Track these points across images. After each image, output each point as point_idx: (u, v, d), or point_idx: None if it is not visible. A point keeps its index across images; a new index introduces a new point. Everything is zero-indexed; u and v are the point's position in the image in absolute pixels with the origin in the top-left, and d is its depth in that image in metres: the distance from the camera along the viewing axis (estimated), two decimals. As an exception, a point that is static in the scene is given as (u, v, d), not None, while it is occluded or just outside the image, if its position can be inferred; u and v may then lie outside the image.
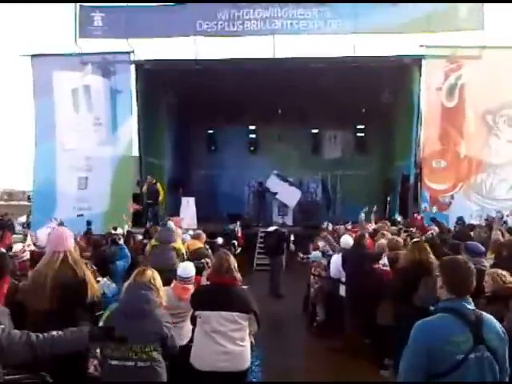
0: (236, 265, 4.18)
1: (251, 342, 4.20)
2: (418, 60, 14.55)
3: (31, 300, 3.56)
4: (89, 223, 11.63)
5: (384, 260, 6.19)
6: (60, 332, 2.56)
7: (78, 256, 3.94)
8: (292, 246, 11.10)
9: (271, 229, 11.85)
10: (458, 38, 14.72)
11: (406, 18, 14.47)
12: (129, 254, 6.03)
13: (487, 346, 2.49)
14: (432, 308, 2.74)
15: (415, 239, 6.19)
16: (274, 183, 18.17)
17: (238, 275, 4.15)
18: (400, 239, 6.61)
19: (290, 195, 18.08)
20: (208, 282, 4.49)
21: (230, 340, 3.93)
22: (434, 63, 14.56)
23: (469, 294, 2.64)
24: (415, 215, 12.83)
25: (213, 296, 4.04)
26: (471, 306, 2.60)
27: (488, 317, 2.62)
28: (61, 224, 12.26)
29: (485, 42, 14.41)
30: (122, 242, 6.44)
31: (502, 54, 14.39)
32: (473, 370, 2.44)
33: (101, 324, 3.57)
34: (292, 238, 11.26)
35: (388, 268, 6.04)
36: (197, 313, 4.05)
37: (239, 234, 11.74)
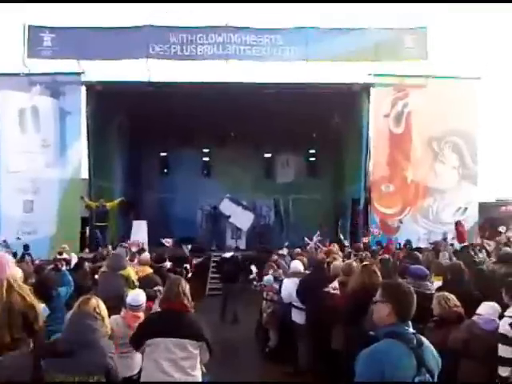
0: (188, 290, 4.05)
1: (202, 371, 4.05)
2: (366, 87, 15.03)
3: None
4: (26, 248, 11.21)
5: (334, 283, 6.20)
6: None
7: (21, 282, 3.77)
8: (254, 272, 10.86)
9: (228, 255, 11.50)
10: (405, 67, 15.36)
11: (355, 46, 14.97)
12: (71, 280, 5.81)
13: (427, 369, 2.52)
14: (372, 333, 2.74)
15: (365, 263, 6.25)
16: (227, 206, 18.16)
17: (190, 301, 4.01)
18: (354, 263, 6.63)
19: (243, 218, 18.11)
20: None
21: (179, 369, 3.78)
22: (381, 91, 15.07)
23: (410, 318, 2.66)
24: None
25: (163, 323, 3.90)
26: (411, 330, 2.63)
27: (425, 340, 2.66)
28: (5, 244, 11.87)
29: (429, 71, 15.08)
30: (64, 268, 6.23)
31: (445, 84, 15.09)
32: None
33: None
34: (254, 268, 10.95)
35: (338, 292, 6.05)
36: (147, 342, 3.84)
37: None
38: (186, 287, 4.04)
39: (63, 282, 5.56)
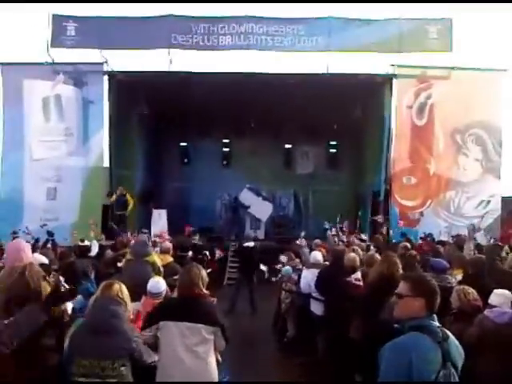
0: (206, 277, 4.05)
1: (217, 360, 4.01)
2: (389, 79, 14.86)
3: None
4: (51, 234, 11.36)
5: (357, 274, 6.18)
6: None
7: (36, 268, 3.79)
8: (265, 272, 10.88)
9: (250, 244, 11.26)
10: (428, 59, 15.14)
11: (378, 37, 14.80)
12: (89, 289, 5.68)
13: (452, 363, 2.52)
14: (397, 326, 2.73)
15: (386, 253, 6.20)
16: (246, 197, 18.21)
17: (203, 289, 3.98)
18: (377, 255, 6.58)
19: (262, 209, 18.16)
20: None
21: (193, 355, 3.77)
22: (404, 82, 14.89)
23: (435, 312, 2.66)
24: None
25: (177, 307, 3.90)
26: (437, 324, 2.62)
27: (450, 334, 2.66)
28: (28, 231, 12.07)
29: (453, 63, 14.84)
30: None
31: (469, 75, 14.83)
32: None
33: (66, 341, 3.45)
34: (264, 268, 10.88)
35: (361, 283, 6.04)
36: (160, 324, 3.80)
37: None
38: (202, 274, 4.02)
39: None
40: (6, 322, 2.51)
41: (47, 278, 3.92)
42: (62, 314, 3.62)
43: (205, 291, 3.99)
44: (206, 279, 4.07)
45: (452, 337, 2.65)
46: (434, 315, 2.65)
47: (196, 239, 12.17)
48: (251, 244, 11.18)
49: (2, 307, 3.31)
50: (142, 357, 3.54)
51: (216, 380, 3.92)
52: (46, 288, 3.52)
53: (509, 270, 5.97)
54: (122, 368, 3.34)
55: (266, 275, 10.49)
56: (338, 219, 13.71)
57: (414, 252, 6.60)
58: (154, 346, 3.92)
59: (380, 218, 14.37)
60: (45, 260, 5.59)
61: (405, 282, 2.78)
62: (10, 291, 3.36)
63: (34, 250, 6.12)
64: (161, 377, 3.80)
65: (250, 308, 10.47)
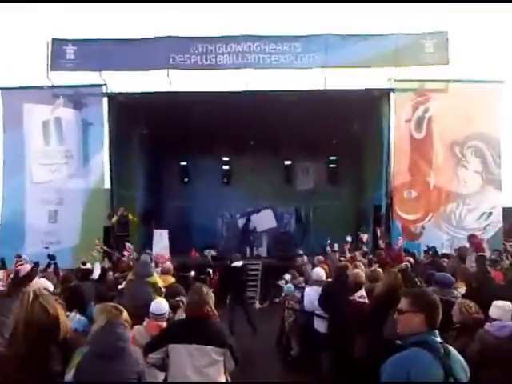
0: (212, 297, 4.06)
1: (227, 381, 4.00)
2: (387, 93, 14.94)
3: (10, 348, 3.39)
4: (52, 258, 11.33)
5: (361, 292, 6.14)
6: None
7: (46, 292, 3.80)
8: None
9: (239, 264, 10.86)
10: (426, 72, 15.23)
11: (375, 52, 14.91)
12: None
13: (455, 379, 2.50)
14: (398, 342, 2.72)
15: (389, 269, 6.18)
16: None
17: (212, 309, 4.01)
18: (380, 270, 6.55)
19: (262, 220, 18.21)
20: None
21: (203, 377, 3.76)
22: (402, 96, 14.95)
23: (437, 327, 2.65)
24: (393, 247, 12.81)
25: (185, 328, 3.90)
26: (439, 339, 2.61)
27: (452, 349, 2.65)
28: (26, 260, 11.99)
29: (451, 75, 14.93)
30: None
31: (466, 88, 14.90)
32: None
33: (71, 372, 3.29)
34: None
35: (365, 300, 6.00)
36: (169, 346, 3.81)
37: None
38: (209, 294, 4.03)
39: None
40: None
41: (58, 300, 3.93)
42: (72, 335, 3.61)
43: (211, 311, 3.98)
44: (213, 298, 4.09)
45: (455, 352, 2.64)
46: (436, 331, 2.64)
47: (210, 255, 12.04)
48: (239, 264, 11.02)
49: (20, 340, 3.28)
50: (145, 379, 3.51)
51: None
52: (61, 312, 3.53)
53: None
54: None
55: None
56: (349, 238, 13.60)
57: (404, 265, 6.55)
58: (161, 368, 3.94)
59: (365, 238, 14.29)
60: (49, 285, 5.57)
61: (405, 298, 2.79)
62: (29, 318, 3.34)
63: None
64: None
65: (250, 328, 10.14)
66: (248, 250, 17.96)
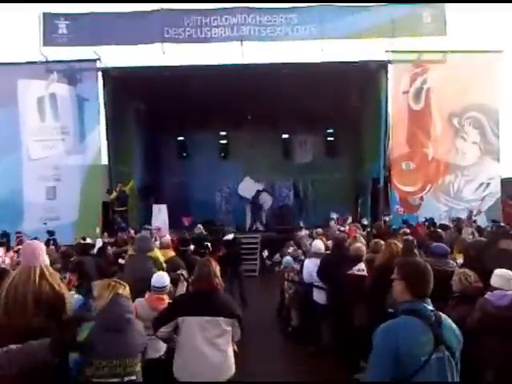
0: (218, 270, 4.12)
1: (234, 350, 4.11)
2: (384, 65, 14.80)
3: (9, 318, 3.41)
4: (51, 233, 11.36)
5: (360, 265, 6.17)
6: (19, 345, 2.47)
7: (52, 270, 3.81)
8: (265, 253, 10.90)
9: (230, 237, 11.02)
10: (423, 43, 15.06)
11: (371, 23, 14.75)
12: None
13: (446, 346, 2.54)
14: (391, 310, 2.77)
15: (388, 241, 6.20)
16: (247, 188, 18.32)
17: (220, 281, 4.08)
18: (382, 241, 6.58)
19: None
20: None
21: (214, 347, 3.86)
22: (400, 68, 14.84)
23: (428, 295, 2.68)
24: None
25: (196, 301, 3.96)
26: (430, 307, 2.65)
27: (445, 317, 2.68)
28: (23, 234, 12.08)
29: (448, 46, 14.77)
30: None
31: (465, 59, 14.78)
32: (434, 370, 2.49)
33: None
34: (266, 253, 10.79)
35: (364, 273, 6.05)
36: (179, 319, 3.87)
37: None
38: (217, 268, 4.11)
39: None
40: (5, 349, 2.51)
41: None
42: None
43: (219, 283, 4.06)
44: (218, 272, 4.14)
45: (447, 320, 2.67)
46: (427, 299, 2.67)
47: (200, 229, 12.06)
48: (231, 237, 11.07)
49: (29, 313, 3.29)
50: (147, 352, 3.56)
51: (233, 370, 4.00)
52: (66, 290, 3.53)
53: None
54: (138, 365, 3.35)
55: (269, 262, 10.47)
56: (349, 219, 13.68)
57: (410, 237, 6.59)
58: (168, 340, 4.04)
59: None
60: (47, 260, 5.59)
61: (395, 266, 2.88)
62: (37, 294, 3.34)
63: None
64: (182, 370, 3.89)
65: (241, 301, 9.93)
66: (249, 223, 18.01)
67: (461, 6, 15.64)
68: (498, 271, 4.13)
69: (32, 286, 3.37)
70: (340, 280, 6.20)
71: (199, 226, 12.36)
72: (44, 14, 15.01)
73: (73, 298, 4.59)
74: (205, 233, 11.89)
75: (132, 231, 11.95)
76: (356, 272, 6.11)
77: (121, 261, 7.05)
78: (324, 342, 6.99)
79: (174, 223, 15.35)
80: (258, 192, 18.85)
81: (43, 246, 3.98)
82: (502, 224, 10.53)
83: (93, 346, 3.19)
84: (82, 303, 4.50)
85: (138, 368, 3.35)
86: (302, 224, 13.07)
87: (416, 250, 5.97)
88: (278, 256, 10.28)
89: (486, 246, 5.75)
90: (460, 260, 5.82)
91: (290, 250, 9.42)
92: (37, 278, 3.38)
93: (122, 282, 3.64)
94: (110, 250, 8.58)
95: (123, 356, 3.22)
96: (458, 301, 4.25)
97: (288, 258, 8.72)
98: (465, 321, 3.76)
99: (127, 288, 3.62)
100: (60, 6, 15.50)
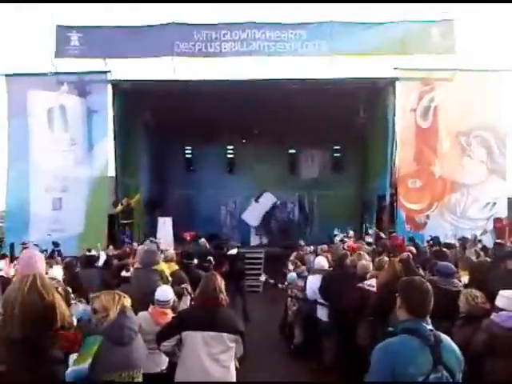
0: (223, 286, 4.13)
1: (236, 367, 4.10)
2: (392, 82, 14.83)
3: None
4: (56, 244, 11.38)
5: (371, 280, 6.13)
6: None
7: (47, 279, 3.80)
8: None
9: (234, 251, 10.99)
10: (431, 61, 15.10)
11: (381, 40, 14.78)
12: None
13: (445, 367, 2.52)
14: (390, 329, 2.76)
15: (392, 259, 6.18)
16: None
17: (225, 297, 4.09)
18: (386, 258, 6.56)
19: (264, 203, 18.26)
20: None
21: (217, 363, 3.85)
22: (408, 85, 14.84)
23: (427, 314, 2.67)
24: (396, 235, 12.84)
25: (201, 316, 3.94)
26: (430, 327, 2.63)
27: (445, 337, 2.67)
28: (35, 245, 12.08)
29: (457, 65, 14.80)
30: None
31: (473, 77, 14.75)
32: None
33: (88, 360, 3.29)
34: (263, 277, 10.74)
35: (374, 288, 6.01)
36: (183, 333, 3.88)
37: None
38: (222, 283, 4.12)
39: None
40: None
41: (58, 289, 3.94)
42: (71, 325, 3.61)
43: (224, 299, 4.07)
44: (223, 287, 4.16)
45: (448, 341, 2.66)
46: (427, 318, 2.66)
47: (204, 243, 12.04)
48: (234, 251, 11.03)
49: (16, 323, 3.29)
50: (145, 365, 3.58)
51: None
52: (60, 301, 3.53)
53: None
54: (140, 377, 3.37)
55: (272, 281, 10.39)
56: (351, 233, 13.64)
57: (405, 255, 6.59)
58: (171, 355, 4.04)
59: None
60: (59, 275, 5.65)
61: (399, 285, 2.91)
62: (24, 304, 3.34)
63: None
64: None
65: (243, 316, 9.86)
66: (259, 237, 18.01)
67: (471, 21, 15.69)
68: (503, 292, 4.10)
69: (20, 295, 3.37)
70: (341, 297, 6.17)
71: (203, 239, 12.36)
72: (57, 26, 15.20)
73: (79, 309, 4.61)
74: (208, 246, 11.87)
75: (136, 244, 11.92)
76: (366, 286, 6.07)
77: (124, 273, 7.04)
78: (327, 359, 6.93)
79: (179, 236, 15.35)
80: (274, 206, 18.78)
81: (40, 255, 3.99)
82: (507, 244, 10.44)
83: (103, 360, 3.21)
84: (88, 316, 4.50)
85: (140, 379, 3.38)
86: (302, 242, 12.95)
87: (420, 269, 5.94)
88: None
89: (490, 266, 5.71)
90: (465, 279, 5.78)
91: (290, 267, 9.38)
92: (26, 288, 3.38)
93: (124, 295, 3.64)
94: (117, 262, 8.59)
95: (130, 368, 3.26)
96: (465, 321, 4.23)
97: (292, 274, 8.69)
98: (470, 342, 3.73)
99: (129, 300, 3.62)
100: (72, 18, 15.72)
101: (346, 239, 12.26)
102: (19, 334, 3.26)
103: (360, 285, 6.09)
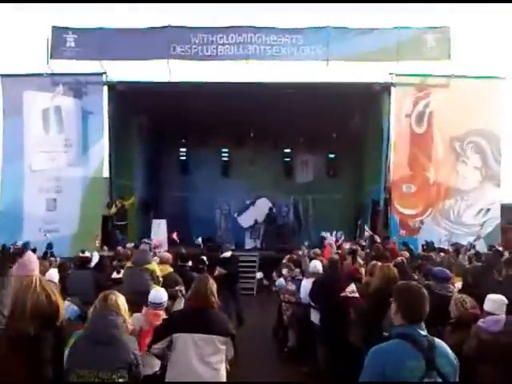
0: (215, 288, 4.12)
1: (226, 369, 4.08)
2: (387, 87, 14.90)
3: (9, 326, 3.43)
4: (50, 246, 11.33)
5: (352, 287, 6.14)
6: None
7: (45, 280, 3.84)
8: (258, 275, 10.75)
9: (227, 254, 10.64)
10: (427, 67, 15.20)
11: (376, 46, 14.89)
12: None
13: (439, 372, 2.52)
14: (386, 334, 2.77)
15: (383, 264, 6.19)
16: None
17: (216, 299, 4.09)
18: (379, 263, 6.55)
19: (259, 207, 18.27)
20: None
21: (207, 365, 3.84)
22: (403, 91, 14.93)
23: (422, 320, 2.66)
24: (389, 241, 12.87)
25: (191, 319, 3.94)
26: (424, 332, 2.63)
27: (440, 342, 2.66)
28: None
29: (452, 71, 14.90)
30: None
31: (468, 83, 14.87)
32: None
33: (66, 351, 3.42)
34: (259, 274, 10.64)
35: (356, 294, 6.02)
36: (174, 335, 3.87)
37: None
38: (214, 286, 4.11)
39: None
40: None
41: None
42: (62, 324, 3.62)
43: (215, 302, 4.07)
44: (215, 290, 4.15)
45: (442, 346, 2.65)
46: (421, 323, 2.65)
47: (200, 242, 12.00)
48: (228, 254, 10.99)
49: (27, 321, 3.30)
50: (139, 371, 3.51)
51: None
52: (60, 300, 3.55)
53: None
54: (121, 380, 3.30)
55: (266, 282, 10.43)
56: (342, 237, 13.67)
57: (400, 259, 6.60)
58: (162, 357, 4.01)
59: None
60: (55, 278, 5.65)
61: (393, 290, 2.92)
62: (34, 303, 3.36)
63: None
64: None
65: (236, 320, 9.66)
66: (253, 240, 18.04)
67: (466, 28, 15.81)
68: (491, 296, 4.13)
69: (31, 295, 3.41)
70: (332, 301, 6.18)
71: (199, 239, 12.33)
72: (53, 27, 15.20)
73: (68, 309, 4.61)
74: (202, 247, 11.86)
75: (129, 245, 11.88)
76: (348, 294, 6.08)
77: (115, 275, 7.03)
78: (320, 363, 6.93)
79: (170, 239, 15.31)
80: (271, 210, 18.81)
81: (36, 258, 4.02)
82: (500, 249, 10.49)
83: (72, 355, 3.26)
84: (78, 314, 4.53)
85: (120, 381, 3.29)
86: (306, 243, 12.96)
87: (415, 273, 5.96)
88: (274, 274, 10.25)
89: (483, 271, 5.74)
90: (458, 284, 5.80)
91: (284, 271, 9.35)
92: (37, 288, 3.43)
93: (115, 293, 3.63)
94: (110, 263, 8.56)
95: (100, 369, 3.20)
96: (455, 327, 4.23)
97: (280, 281, 8.70)
98: (461, 347, 3.74)
99: (120, 298, 3.61)
100: (68, 20, 15.71)
101: (331, 241, 12.28)
102: (32, 331, 3.27)
103: (342, 294, 6.09)
